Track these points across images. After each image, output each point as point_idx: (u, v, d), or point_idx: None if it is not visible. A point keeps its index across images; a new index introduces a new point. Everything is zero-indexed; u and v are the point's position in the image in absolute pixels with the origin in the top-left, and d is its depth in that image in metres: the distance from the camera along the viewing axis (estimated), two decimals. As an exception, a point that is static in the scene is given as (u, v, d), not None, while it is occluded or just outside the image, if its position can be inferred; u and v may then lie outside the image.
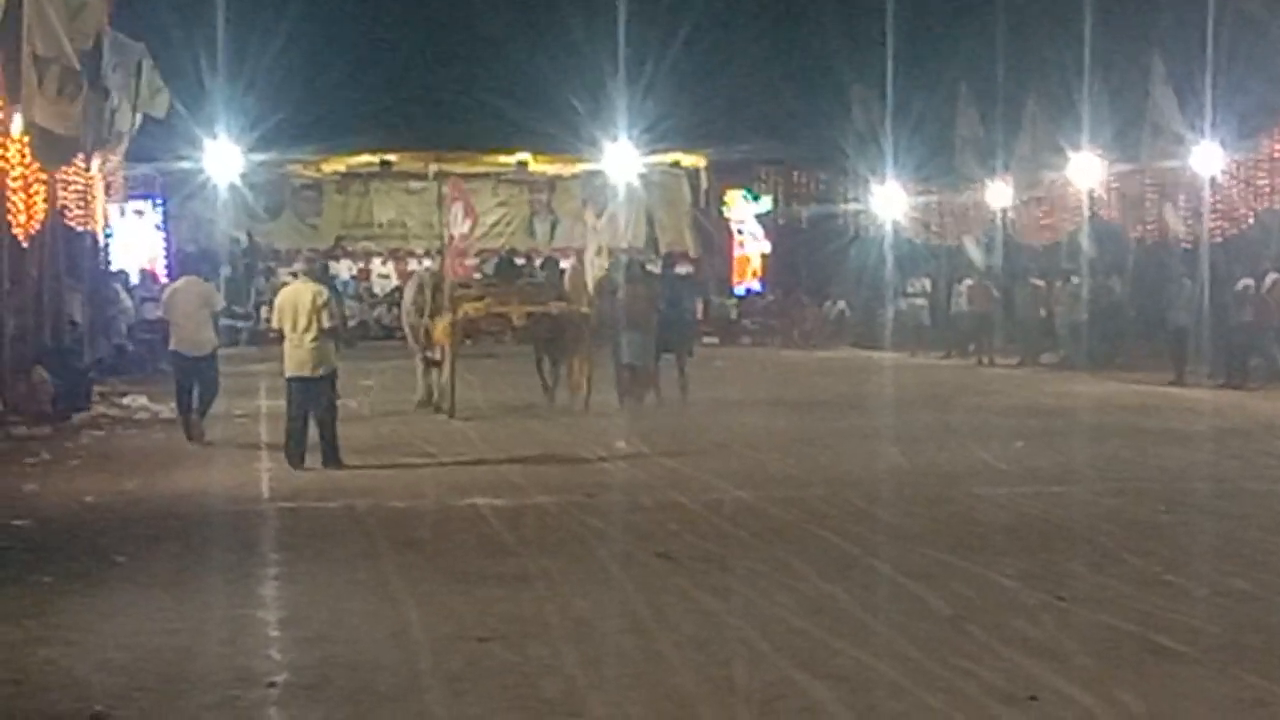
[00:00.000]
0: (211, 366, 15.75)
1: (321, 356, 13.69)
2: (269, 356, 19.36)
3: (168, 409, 17.96)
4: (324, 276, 17.48)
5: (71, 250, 23.80)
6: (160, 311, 16.14)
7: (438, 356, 18.61)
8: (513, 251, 32.88)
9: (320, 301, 13.67)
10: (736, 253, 39.78)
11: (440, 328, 18.37)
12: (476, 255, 36.96)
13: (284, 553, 9.71)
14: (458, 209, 18.56)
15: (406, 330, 19.54)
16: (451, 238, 18.42)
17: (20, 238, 18.42)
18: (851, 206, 37.17)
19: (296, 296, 13.80)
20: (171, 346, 15.94)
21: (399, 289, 32.15)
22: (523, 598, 8.30)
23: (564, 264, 22.90)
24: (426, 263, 31.97)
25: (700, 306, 32.42)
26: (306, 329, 13.60)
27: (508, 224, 39.48)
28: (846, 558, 9.40)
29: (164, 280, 31.41)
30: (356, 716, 6.26)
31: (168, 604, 8.25)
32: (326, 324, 13.71)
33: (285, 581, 8.89)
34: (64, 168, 20.73)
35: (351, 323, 30.77)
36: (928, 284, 32.34)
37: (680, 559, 9.36)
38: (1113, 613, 7.86)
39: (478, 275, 30.41)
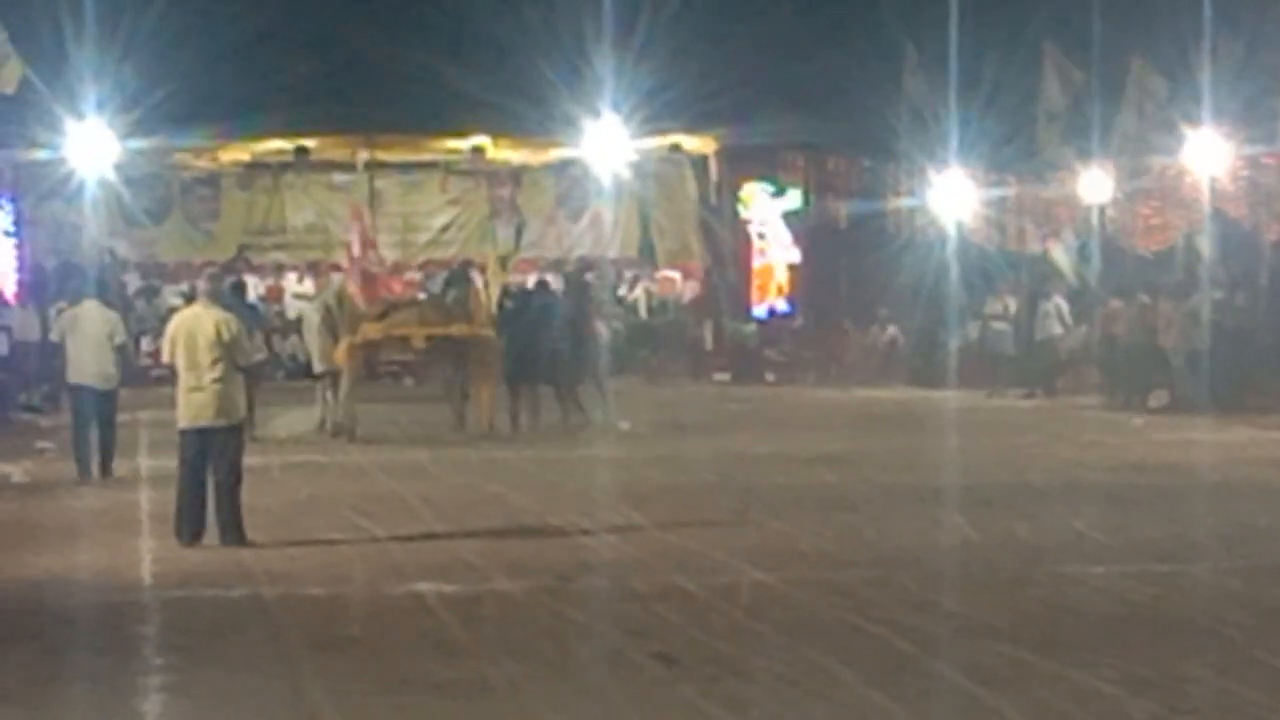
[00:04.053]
0: (113, 406, 17.38)
1: (227, 401, 13.75)
2: (150, 401, 19.46)
3: (19, 471, 17.98)
4: (235, 299, 18.38)
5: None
6: (55, 337, 17.73)
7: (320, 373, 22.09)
8: (468, 263, 32.89)
9: (228, 334, 13.76)
10: (756, 263, 39.81)
11: (340, 350, 21.27)
12: (419, 269, 37.41)
13: (171, 656, 9.71)
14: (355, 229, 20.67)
15: (313, 355, 22.62)
16: (350, 255, 20.27)
17: None
18: (904, 202, 37.14)
19: (195, 325, 13.88)
20: (73, 380, 17.28)
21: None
22: (480, 712, 8.30)
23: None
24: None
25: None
26: (210, 366, 13.66)
27: (460, 228, 39.55)
28: (898, 658, 9.42)
29: (9, 301, 31.52)
30: None
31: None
32: (241, 363, 13.91)
33: (173, 694, 8.89)
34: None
35: (258, 356, 30.78)
36: (1012, 303, 32.27)
37: (684, 662, 9.38)
38: (1243, 728, 7.90)
39: (421, 294, 30.91)
